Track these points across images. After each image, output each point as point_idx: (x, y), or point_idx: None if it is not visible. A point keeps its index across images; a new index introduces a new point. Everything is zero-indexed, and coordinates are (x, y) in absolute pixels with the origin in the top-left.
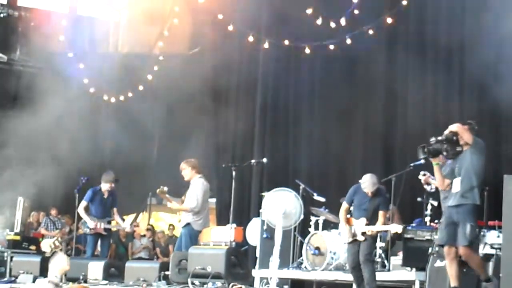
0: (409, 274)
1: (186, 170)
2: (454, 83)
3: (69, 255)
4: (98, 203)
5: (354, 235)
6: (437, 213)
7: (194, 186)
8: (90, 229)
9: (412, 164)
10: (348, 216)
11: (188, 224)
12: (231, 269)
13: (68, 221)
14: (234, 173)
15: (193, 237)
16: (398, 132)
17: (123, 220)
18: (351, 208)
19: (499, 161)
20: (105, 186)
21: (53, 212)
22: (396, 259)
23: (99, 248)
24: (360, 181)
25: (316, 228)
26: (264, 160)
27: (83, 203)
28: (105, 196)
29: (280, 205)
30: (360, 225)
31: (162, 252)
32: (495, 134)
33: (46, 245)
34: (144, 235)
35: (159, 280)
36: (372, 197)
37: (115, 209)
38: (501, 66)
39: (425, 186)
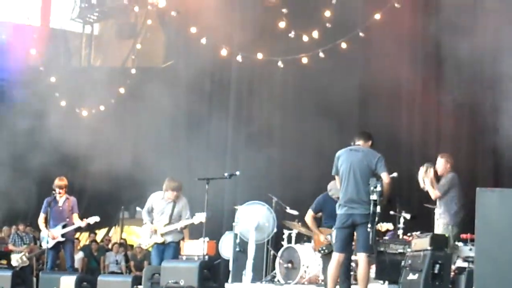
0: (381, 287)
1: (180, 192)
2: (430, 94)
3: (40, 270)
4: (53, 211)
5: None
6: (410, 226)
7: (185, 203)
8: (47, 242)
9: None
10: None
11: (182, 239)
12: (204, 282)
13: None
14: (207, 186)
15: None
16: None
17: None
18: (323, 219)
19: (474, 174)
20: (56, 192)
21: (21, 227)
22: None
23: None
24: (328, 187)
25: (289, 241)
26: (237, 173)
27: (41, 215)
28: (60, 204)
29: (253, 219)
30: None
31: (136, 266)
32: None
33: (14, 260)
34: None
35: None
36: None
37: (75, 215)
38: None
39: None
